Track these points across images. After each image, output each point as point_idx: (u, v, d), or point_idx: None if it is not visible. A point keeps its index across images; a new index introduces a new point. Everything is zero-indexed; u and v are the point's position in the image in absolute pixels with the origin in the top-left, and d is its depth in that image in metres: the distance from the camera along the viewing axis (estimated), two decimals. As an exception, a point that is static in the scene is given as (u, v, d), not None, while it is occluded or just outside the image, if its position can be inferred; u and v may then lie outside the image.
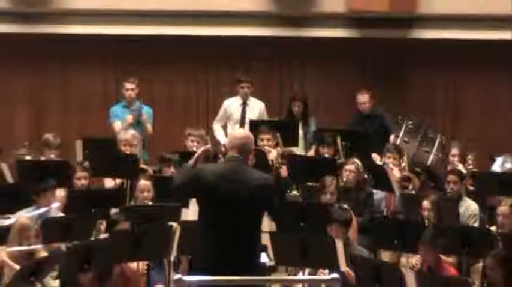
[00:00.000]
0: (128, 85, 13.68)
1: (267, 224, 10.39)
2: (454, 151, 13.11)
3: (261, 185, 8.31)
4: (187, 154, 12.53)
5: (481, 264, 9.84)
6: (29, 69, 14.74)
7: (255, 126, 13.35)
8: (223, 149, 13.41)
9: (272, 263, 9.85)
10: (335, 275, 8.68)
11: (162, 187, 11.51)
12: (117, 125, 13.64)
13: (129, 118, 13.56)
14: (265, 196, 8.31)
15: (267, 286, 10.81)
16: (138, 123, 13.61)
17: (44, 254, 9.56)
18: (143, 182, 11.57)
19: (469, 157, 13.02)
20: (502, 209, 10.80)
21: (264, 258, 9.32)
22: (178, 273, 9.39)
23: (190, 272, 8.36)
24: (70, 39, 14.68)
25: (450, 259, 10.05)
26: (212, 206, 8.18)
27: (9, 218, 10.47)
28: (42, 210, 10.76)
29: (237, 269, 7.77)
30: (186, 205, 9.07)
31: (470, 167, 12.79)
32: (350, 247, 9.94)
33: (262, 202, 8.30)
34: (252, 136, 8.69)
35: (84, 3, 14.59)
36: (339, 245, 9.69)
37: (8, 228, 9.84)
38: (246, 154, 8.38)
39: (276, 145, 13.08)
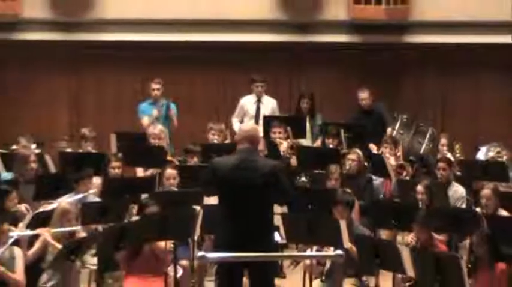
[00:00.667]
0: (154, 85, 13.71)
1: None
2: (443, 141, 13.19)
3: (268, 171, 8.34)
4: (208, 146, 12.59)
5: (468, 241, 9.81)
6: (69, 72, 14.75)
7: (268, 121, 13.40)
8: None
9: (284, 241, 9.84)
10: (339, 251, 8.65)
11: (186, 175, 11.56)
12: (145, 120, 13.68)
13: (155, 112, 13.62)
14: (272, 179, 8.32)
15: (279, 262, 10.83)
16: (166, 118, 13.64)
17: (82, 234, 9.57)
18: (169, 171, 11.58)
19: (457, 146, 13.08)
20: (485, 192, 10.80)
21: (276, 236, 9.32)
22: (201, 251, 9.37)
23: (213, 249, 8.34)
24: (104, 45, 14.69)
25: (441, 237, 10.02)
26: (228, 193, 8.22)
27: (52, 203, 10.50)
28: (81, 196, 10.80)
29: (252, 246, 7.76)
30: (214, 194, 9.03)
31: (458, 155, 12.87)
32: (352, 226, 9.93)
33: (270, 185, 8.29)
34: (258, 127, 8.78)
35: (116, 14, 14.60)
36: (343, 225, 9.68)
37: (51, 212, 9.87)
38: (255, 143, 8.46)
39: (287, 138, 13.10)
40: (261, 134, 12.72)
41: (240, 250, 7.67)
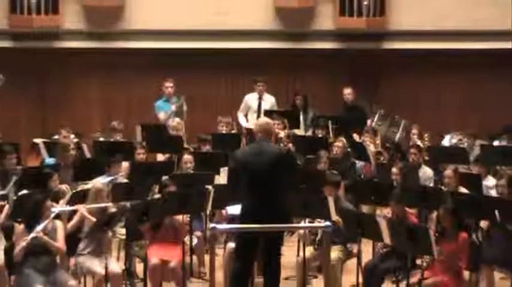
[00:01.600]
0: (167, 84, 13.72)
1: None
2: (414, 131, 13.24)
3: (276, 156, 8.36)
4: (218, 136, 12.63)
5: (435, 214, 9.82)
6: (101, 74, 14.82)
7: (268, 114, 13.37)
8: (244, 131, 13.54)
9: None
10: (328, 223, 8.72)
11: (199, 160, 11.58)
12: (161, 115, 13.66)
13: (173, 108, 13.60)
14: (280, 163, 8.34)
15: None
16: (181, 112, 13.66)
17: (113, 210, 9.59)
18: (186, 157, 11.64)
19: (425, 135, 13.10)
20: (448, 172, 10.85)
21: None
22: (212, 223, 9.39)
23: (239, 221, 8.37)
24: (130, 51, 14.70)
25: (412, 211, 10.03)
26: (246, 175, 8.22)
27: (87, 184, 10.53)
28: (111, 177, 10.86)
29: (270, 218, 7.98)
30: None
31: (426, 142, 12.90)
32: (339, 202, 9.93)
33: (279, 167, 8.31)
34: (270, 121, 8.80)
35: (140, 26, 14.63)
36: (331, 201, 9.69)
37: (87, 191, 9.90)
38: (269, 134, 8.48)
39: (284, 128, 13.13)
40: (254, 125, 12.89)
41: (260, 221, 7.88)
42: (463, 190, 10.60)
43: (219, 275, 8.96)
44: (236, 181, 8.46)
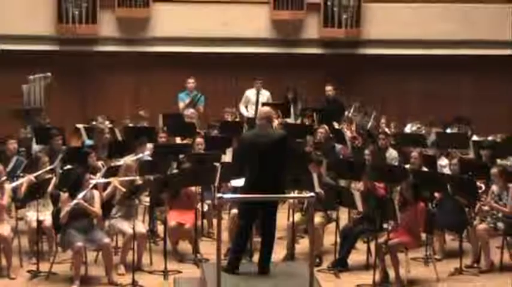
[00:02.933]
0: (189, 80, 13.69)
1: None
2: (383, 120, 13.28)
3: (278, 138, 8.32)
4: (224, 123, 12.65)
5: (399, 187, 9.80)
6: (131, 72, 14.79)
7: (264, 106, 13.39)
8: (245, 119, 13.52)
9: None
10: (312, 194, 8.69)
11: (209, 142, 11.57)
12: (181, 104, 13.65)
13: (188, 100, 13.59)
14: (282, 144, 8.31)
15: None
16: (194, 105, 13.64)
17: (139, 182, 9.61)
18: (198, 139, 11.64)
19: (392, 124, 13.14)
20: (413, 154, 10.89)
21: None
22: (219, 193, 9.40)
23: (243, 192, 8.35)
24: (156, 54, 14.69)
25: (381, 184, 10.03)
26: (254, 153, 8.15)
27: (119, 161, 10.53)
28: (139, 156, 10.84)
29: (270, 190, 7.86)
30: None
31: (392, 130, 12.94)
32: (321, 177, 9.94)
33: (280, 147, 8.28)
34: (272, 110, 8.77)
35: (164, 33, 14.61)
36: (315, 176, 9.70)
37: (119, 167, 9.91)
38: (270, 121, 8.40)
39: (278, 117, 13.08)
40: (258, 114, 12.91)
41: (264, 190, 7.79)
42: (424, 168, 10.63)
43: (225, 235, 8.98)
44: (241, 158, 8.43)
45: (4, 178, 9.41)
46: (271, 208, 8.34)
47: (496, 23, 14.74)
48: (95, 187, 9.28)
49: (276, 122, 12.83)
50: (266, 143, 8.19)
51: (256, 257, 8.41)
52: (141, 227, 9.46)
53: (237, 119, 13.52)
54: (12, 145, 11.16)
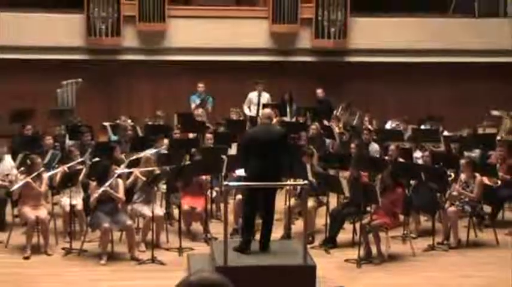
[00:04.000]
0: (200, 84, 13.65)
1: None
2: (366, 118, 13.21)
3: (278, 134, 8.35)
4: (230, 120, 12.64)
5: (380, 176, 9.81)
6: (150, 78, 14.74)
7: (264, 106, 13.37)
8: (248, 118, 13.49)
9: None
10: (306, 181, 8.70)
11: (217, 137, 11.55)
12: (193, 105, 13.61)
13: (198, 101, 13.57)
14: (281, 139, 8.33)
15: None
16: (206, 105, 13.64)
17: (157, 172, 9.62)
18: (208, 135, 11.63)
19: (374, 121, 13.11)
20: (392, 147, 10.91)
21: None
22: (226, 181, 9.40)
23: (246, 180, 8.37)
24: (172, 62, 14.66)
25: (365, 173, 10.04)
26: (255, 147, 8.15)
27: (140, 154, 10.52)
28: (157, 149, 10.83)
29: (270, 178, 7.90)
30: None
31: (374, 126, 12.91)
32: (314, 167, 9.94)
33: (280, 142, 8.29)
34: (272, 111, 8.88)
35: (179, 44, 14.53)
36: (308, 166, 9.70)
37: (139, 159, 9.92)
38: (271, 119, 8.53)
39: (276, 116, 13.07)
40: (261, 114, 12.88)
41: (266, 178, 7.84)
42: (400, 159, 10.63)
43: (231, 217, 8.99)
44: (246, 150, 8.42)
45: (42, 169, 9.46)
46: (271, 194, 8.36)
47: (464, 34, 14.72)
48: (119, 176, 9.30)
49: (274, 120, 12.87)
50: (267, 138, 8.21)
51: (257, 237, 8.40)
52: (159, 210, 9.46)
53: (241, 118, 13.49)
54: (49, 140, 11.18)
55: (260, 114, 9.14)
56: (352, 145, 11.31)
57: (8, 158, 10.36)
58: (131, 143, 11.36)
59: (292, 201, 9.80)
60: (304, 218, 9.18)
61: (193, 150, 11.08)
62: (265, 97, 13.98)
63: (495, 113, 13.06)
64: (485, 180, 9.82)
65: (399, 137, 11.98)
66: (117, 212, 9.02)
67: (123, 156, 10.70)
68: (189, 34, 14.49)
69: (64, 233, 9.48)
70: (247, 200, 8.45)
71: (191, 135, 12.42)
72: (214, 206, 10.46)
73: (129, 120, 12.59)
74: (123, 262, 8.86)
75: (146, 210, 9.22)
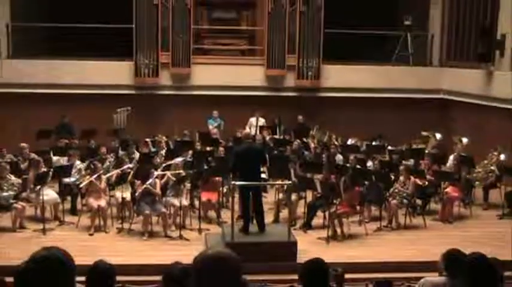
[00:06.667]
0: (214, 112, 13.69)
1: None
2: (334, 137, 13.07)
3: (258, 149, 8.40)
4: (236, 138, 12.56)
5: (343, 178, 9.81)
6: (179, 107, 14.50)
7: (261, 128, 13.42)
8: (250, 135, 13.43)
9: (266, 177, 9.85)
10: (290, 181, 8.74)
11: (228, 151, 11.49)
12: (210, 126, 13.54)
13: (215, 123, 13.57)
14: (261, 154, 8.37)
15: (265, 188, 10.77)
16: (219, 127, 13.63)
17: (184, 174, 9.63)
18: (220, 148, 11.50)
19: (339, 139, 12.97)
20: (351, 158, 10.83)
21: (264, 175, 9.38)
22: (232, 181, 9.47)
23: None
24: (194, 96, 14.56)
25: (333, 176, 9.99)
26: (241, 161, 8.16)
27: (171, 161, 10.45)
28: (183, 158, 10.77)
29: (253, 180, 7.86)
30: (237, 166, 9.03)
31: (339, 142, 12.78)
32: (296, 171, 9.98)
33: (260, 157, 8.32)
34: (249, 132, 8.92)
35: (199, 82, 14.47)
36: (292, 171, 9.74)
37: (171, 164, 9.90)
38: (249, 138, 8.72)
39: (269, 134, 13.11)
40: (258, 133, 12.86)
41: (248, 181, 7.84)
42: (358, 166, 10.58)
43: (236, 207, 9.00)
44: (235, 162, 8.37)
45: (101, 171, 9.51)
46: (259, 193, 8.43)
47: (403, 77, 14.76)
48: (157, 177, 9.33)
49: (268, 138, 12.89)
50: (252, 153, 8.24)
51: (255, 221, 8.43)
52: (185, 201, 9.50)
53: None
54: (103, 149, 11.05)
55: (245, 134, 9.15)
56: (323, 156, 11.30)
57: (78, 163, 10.42)
58: (165, 153, 11.33)
59: (280, 195, 9.85)
60: (288, 208, 9.26)
61: (209, 159, 11.08)
62: (261, 121, 13.96)
63: (424, 133, 13.07)
64: (417, 181, 9.87)
65: (357, 150, 11.95)
66: (155, 203, 9.07)
67: (159, 162, 10.73)
68: (207, 76, 14.51)
69: (117, 217, 9.51)
70: (242, 195, 8.53)
71: (208, 148, 12.44)
72: (224, 199, 10.46)
73: (164, 137, 12.57)
74: (159, 238, 8.90)
75: (176, 201, 9.27)
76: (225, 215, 9.65)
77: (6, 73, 13.60)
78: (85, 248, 7.96)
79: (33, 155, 10.54)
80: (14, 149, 11.07)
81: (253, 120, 13.96)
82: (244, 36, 15.09)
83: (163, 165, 10.11)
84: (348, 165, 10.63)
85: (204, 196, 9.67)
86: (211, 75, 14.45)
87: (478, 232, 9.24)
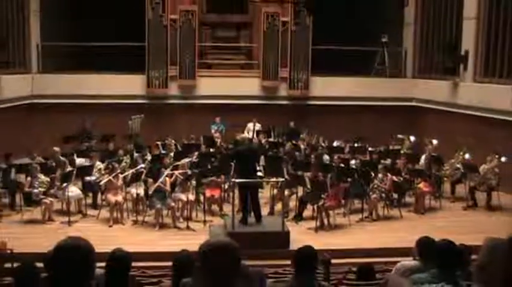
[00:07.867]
0: (217, 118, 13.65)
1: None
2: (321, 139, 13.03)
3: (256, 150, 8.35)
4: (236, 140, 12.47)
5: (330, 175, 9.81)
6: (186, 114, 14.51)
7: (257, 132, 13.40)
8: (247, 139, 13.37)
9: (262, 174, 9.82)
10: (283, 179, 8.72)
11: (228, 151, 11.44)
12: (212, 131, 13.47)
13: (216, 129, 13.49)
14: (256, 153, 8.35)
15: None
16: (222, 131, 13.58)
17: (189, 173, 9.58)
18: (222, 150, 11.54)
19: (325, 141, 12.95)
20: (335, 158, 10.83)
21: (260, 173, 9.37)
22: (233, 179, 9.46)
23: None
24: (200, 105, 14.50)
25: (320, 173, 9.98)
26: (241, 159, 8.17)
27: (179, 162, 10.41)
28: (190, 159, 10.64)
29: (251, 178, 7.82)
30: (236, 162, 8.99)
31: (326, 144, 12.74)
32: (288, 170, 9.96)
33: (255, 155, 8.30)
34: (246, 136, 8.83)
35: (204, 92, 14.39)
36: (285, 169, 9.73)
37: (179, 164, 9.82)
38: (247, 141, 8.53)
39: (265, 138, 13.07)
40: (255, 137, 12.83)
41: (246, 179, 7.78)
42: (341, 165, 10.59)
43: (236, 201, 8.99)
44: (234, 160, 8.42)
45: (118, 170, 9.49)
46: (256, 189, 8.42)
47: (380, 88, 14.77)
48: (167, 175, 9.32)
49: (263, 141, 12.87)
50: (251, 153, 8.25)
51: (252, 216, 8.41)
52: (191, 196, 9.49)
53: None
54: (120, 152, 11.03)
55: (243, 137, 9.17)
56: (312, 156, 11.29)
57: (98, 164, 10.40)
58: (174, 155, 11.31)
59: (275, 191, 9.84)
60: (282, 202, 9.26)
61: (213, 159, 11.07)
62: (258, 126, 13.94)
63: (399, 136, 13.08)
64: (394, 178, 9.90)
65: (341, 151, 11.95)
66: (165, 198, 9.06)
67: (169, 163, 10.69)
68: (210, 87, 14.49)
69: (132, 211, 9.50)
70: (240, 191, 8.53)
71: (212, 150, 12.44)
72: (226, 194, 10.43)
73: (173, 141, 12.54)
74: (168, 229, 8.90)
75: (183, 197, 9.26)
76: (227, 208, 9.63)
77: (37, 86, 13.73)
78: (105, 237, 7.95)
79: (63, 158, 10.53)
80: (42, 152, 11.07)
81: (250, 125, 13.93)
82: (242, 52, 15.11)
83: (172, 165, 10.07)
84: (333, 164, 10.62)
85: (208, 192, 9.66)
86: (214, 86, 14.44)
87: (447, 222, 9.29)
